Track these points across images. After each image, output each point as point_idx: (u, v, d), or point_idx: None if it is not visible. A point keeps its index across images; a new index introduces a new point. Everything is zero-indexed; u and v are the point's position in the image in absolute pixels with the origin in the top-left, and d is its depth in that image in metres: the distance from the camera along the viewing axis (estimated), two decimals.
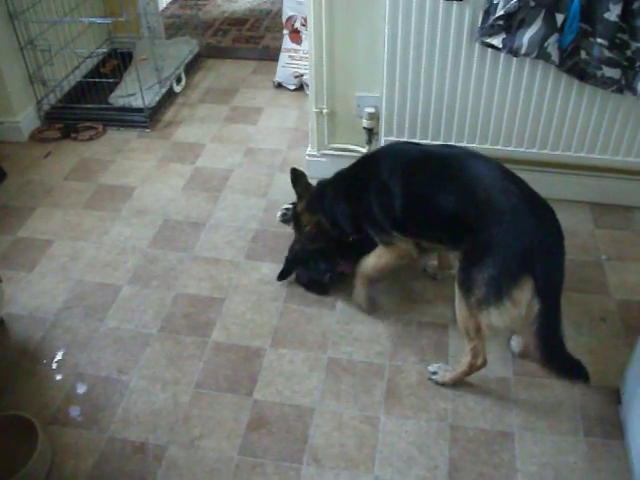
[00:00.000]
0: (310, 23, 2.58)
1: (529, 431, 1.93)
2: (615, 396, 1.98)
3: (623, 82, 2.33)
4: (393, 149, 2.21)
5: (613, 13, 2.16)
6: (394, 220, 2.08)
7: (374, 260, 2.21)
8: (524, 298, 1.76)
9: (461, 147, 2.18)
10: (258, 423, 1.97)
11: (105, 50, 3.96)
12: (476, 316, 1.86)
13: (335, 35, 2.59)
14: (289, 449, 1.89)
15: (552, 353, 1.80)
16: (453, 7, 2.34)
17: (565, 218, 2.68)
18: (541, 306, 1.75)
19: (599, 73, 2.31)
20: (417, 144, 2.35)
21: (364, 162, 2.23)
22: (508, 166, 2.64)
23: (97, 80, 3.66)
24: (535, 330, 1.77)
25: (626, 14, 2.17)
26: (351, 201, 2.19)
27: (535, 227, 1.81)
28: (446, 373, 2.06)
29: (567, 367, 1.83)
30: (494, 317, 1.81)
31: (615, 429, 1.92)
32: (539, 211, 1.86)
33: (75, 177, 3.11)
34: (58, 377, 2.13)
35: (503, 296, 1.77)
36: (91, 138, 3.39)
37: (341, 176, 2.27)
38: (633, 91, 2.33)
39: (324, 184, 2.31)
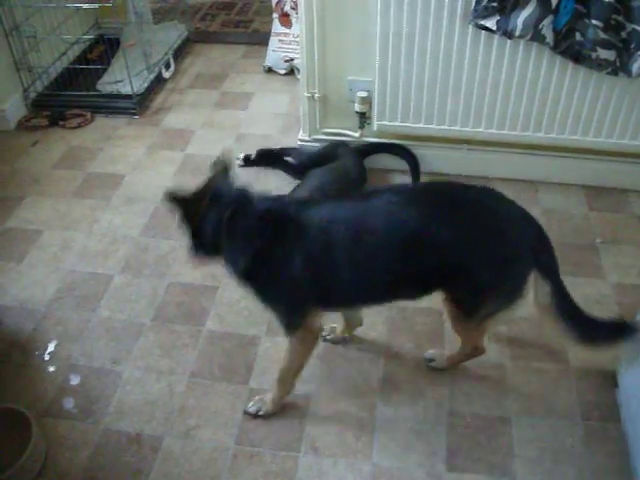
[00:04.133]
0: (300, 6, 2.54)
1: (526, 416, 1.92)
2: (611, 379, 1.98)
3: (618, 64, 2.31)
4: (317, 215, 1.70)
5: None
6: (320, 290, 1.71)
7: (289, 362, 1.85)
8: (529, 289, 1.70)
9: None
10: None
11: (92, 36, 3.89)
12: (482, 324, 1.82)
13: (326, 18, 2.55)
14: (286, 438, 1.88)
15: (587, 324, 1.70)
16: None
17: (559, 201, 2.72)
18: (551, 286, 1.68)
19: (594, 55, 2.29)
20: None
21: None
22: (503, 149, 2.68)
23: (84, 67, 3.63)
24: (556, 310, 1.69)
25: None
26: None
27: (524, 234, 1.70)
28: (443, 360, 2.05)
29: (609, 331, 1.70)
30: (505, 314, 1.77)
31: (612, 412, 1.92)
32: (514, 217, 1.71)
33: (64, 165, 3.07)
34: (51, 369, 2.11)
35: (515, 301, 1.71)
36: (79, 125, 3.34)
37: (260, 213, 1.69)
38: (628, 73, 2.31)
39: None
